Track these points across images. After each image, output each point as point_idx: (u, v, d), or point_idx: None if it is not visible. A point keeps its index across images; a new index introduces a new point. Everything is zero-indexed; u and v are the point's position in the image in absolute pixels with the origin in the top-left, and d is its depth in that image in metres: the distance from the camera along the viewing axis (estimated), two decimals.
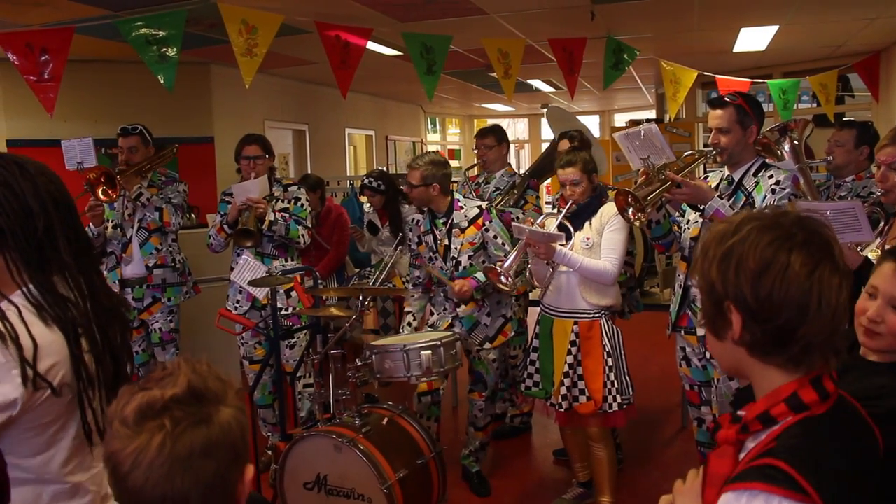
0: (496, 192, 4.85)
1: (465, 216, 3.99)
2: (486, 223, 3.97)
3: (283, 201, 4.40)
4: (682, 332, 3.37)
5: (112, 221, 4.49)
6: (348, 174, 9.87)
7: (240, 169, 4.39)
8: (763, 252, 1.21)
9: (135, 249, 4.49)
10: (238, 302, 4.42)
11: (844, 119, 6.60)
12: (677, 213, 3.43)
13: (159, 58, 4.10)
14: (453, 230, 3.98)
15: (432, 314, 4.16)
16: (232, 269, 4.42)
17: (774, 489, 1.12)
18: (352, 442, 3.23)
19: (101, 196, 4.19)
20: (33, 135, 6.31)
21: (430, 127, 14.51)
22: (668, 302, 3.99)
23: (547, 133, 14.83)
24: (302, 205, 4.43)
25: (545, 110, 9.75)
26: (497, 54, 5.37)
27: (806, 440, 1.18)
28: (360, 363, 3.61)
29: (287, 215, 4.32)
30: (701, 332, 3.24)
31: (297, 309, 4.31)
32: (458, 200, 4.05)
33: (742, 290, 1.23)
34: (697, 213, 3.19)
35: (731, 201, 3.14)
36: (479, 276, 3.85)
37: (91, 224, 4.37)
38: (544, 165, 5.70)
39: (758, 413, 1.25)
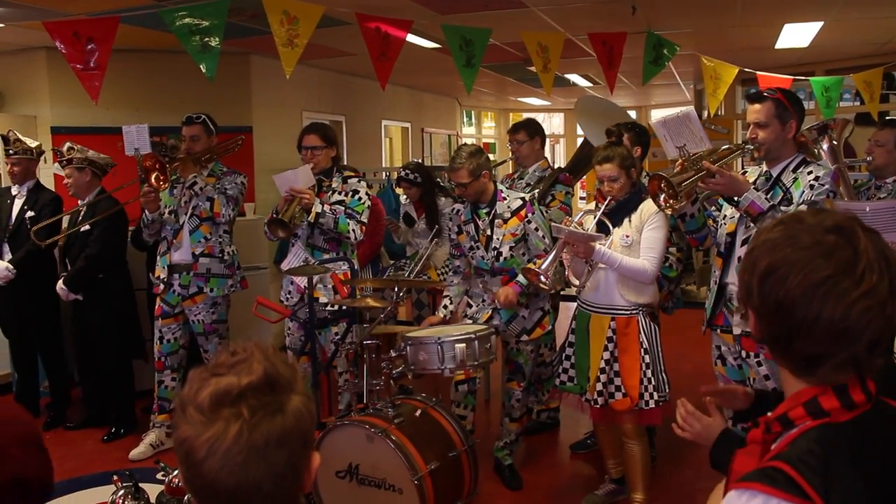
0: (527, 189, 4.81)
1: (509, 207, 3.98)
2: (529, 215, 3.96)
3: (339, 193, 4.32)
4: (718, 330, 3.34)
5: (169, 208, 4.55)
6: (384, 165, 9.90)
7: (303, 159, 4.33)
8: (777, 254, 1.19)
9: (185, 236, 4.53)
10: (289, 293, 4.42)
11: (886, 118, 6.47)
12: (713, 208, 3.39)
13: (202, 47, 4.14)
14: (496, 220, 3.98)
15: (470, 306, 4.16)
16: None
17: (774, 491, 1.10)
18: (384, 432, 3.25)
19: (153, 182, 4.25)
20: (77, 122, 6.43)
21: (465, 120, 14.49)
22: (703, 299, 3.96)
23: None
24: (360, 198, 4.31)
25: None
26: (536, 48, 5.34)
27: (820, 446, 1.15)
28: (394, 354, 3.63)
29: (340, 208, 4.23)
30: (737, 330, 3.21)
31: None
32: (502, 191, 4.04)
33: (752, 287, 1.23)
34: (734, 208, 3.15)
35: (768, 196, 3.09)
36: (521, 279, 3.83)
37: (146, 210, 4.44)
38: (579, 161, 5.65)
39: (778, 415, 1.24)
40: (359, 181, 4.41)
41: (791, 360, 1.22)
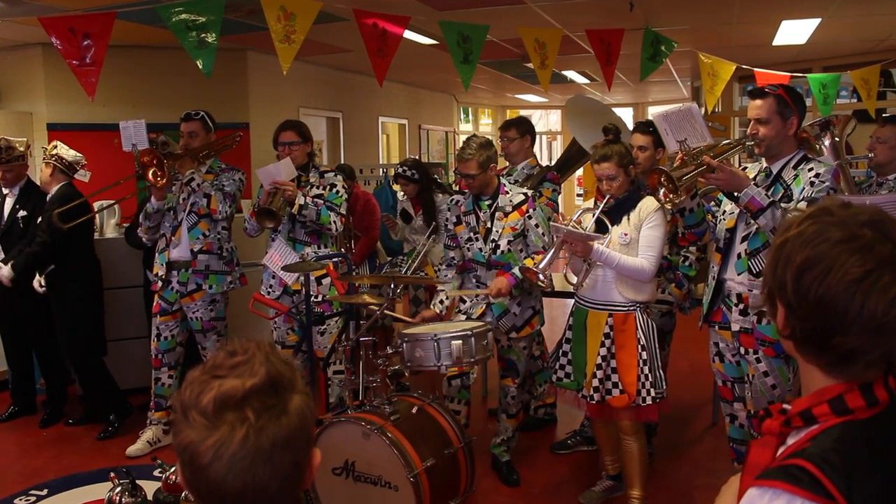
0: (516, 185, 4.82)
1: (511, 201, 3.98)
2: (531, 210, 3.96)
3: (318, 188, 4.39)
4: (716, 326, 3.33)
5: (168, 204, 4.54)
6: (381, 162, 9.89)
7: (279, 156, 4.39)
8: (814, 249, 1.16)
9: (183, 233, 4.52)
10: (271, 286, 4.44)
11: (886, 115, 6.49)
12: (712, 203, 3.39)
13: (198, 43, 4.12)
14: (497, 213, 3.98)
15: (463, 301, 4.15)
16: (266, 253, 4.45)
17: (798, 491, 1.08)
18: (380, 429, 3.24)
19: (150, 178, 4.25)
20: (73, 119, 6.42)
21: (462, 116, 14.48)
22: (699, 296, 3.96)
23: None
24: (337, 192, 4.39)
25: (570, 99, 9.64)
26: (534, 44, 5.33)
27: (842, 444, 1.13)
28: (390, 351, 3.63)
29: (320, 201, 4.29)
30: (735, 327, 3.21)
31: (328, 296, 4.33)
32: (504, 185, 4.04)
33: (785, 282, 1.19)
34: (733, 203, 3.14)
35: (768, 192, 3.08)
36: (516, 271, 3.83)
37: (153, 197, 4.42)
38: (567, 159, 5.65)
39: (801, 409, 1.21)
40: (335, 175, 4.48)
41: (826, 355, 1.19)
